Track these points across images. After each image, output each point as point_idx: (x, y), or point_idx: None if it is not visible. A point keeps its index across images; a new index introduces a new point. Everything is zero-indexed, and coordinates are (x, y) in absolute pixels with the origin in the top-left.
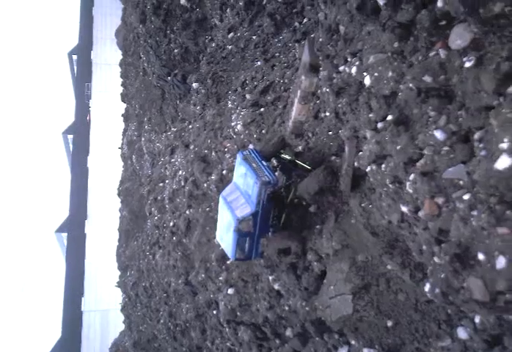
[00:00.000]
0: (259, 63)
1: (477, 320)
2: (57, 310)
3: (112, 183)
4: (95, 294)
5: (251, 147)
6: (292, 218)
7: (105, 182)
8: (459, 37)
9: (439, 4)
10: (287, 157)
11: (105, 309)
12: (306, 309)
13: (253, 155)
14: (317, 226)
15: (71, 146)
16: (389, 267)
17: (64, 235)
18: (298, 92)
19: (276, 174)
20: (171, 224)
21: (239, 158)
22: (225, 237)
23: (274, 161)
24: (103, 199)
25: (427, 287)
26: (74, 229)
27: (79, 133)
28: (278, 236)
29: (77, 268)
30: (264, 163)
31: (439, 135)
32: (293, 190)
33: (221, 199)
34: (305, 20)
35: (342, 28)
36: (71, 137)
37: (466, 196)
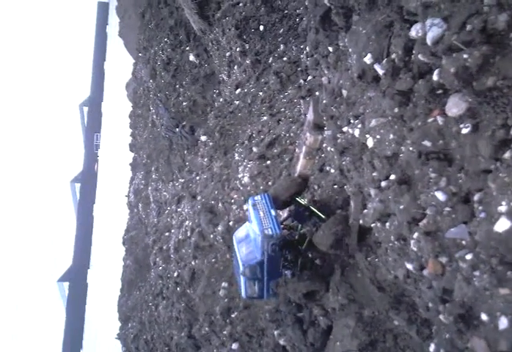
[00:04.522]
0: (265, 118)
1: None
2: None
3: (117, 232)
4: (94, 347)
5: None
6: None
7: (110, 231)
8: (455, 106)
9: (435, 77)
10: (302, 202)
11: None
12: None
13: (264, 201)
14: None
15: (78, 194)
16: (396, 322)
17: (66, 284)
18: (304, 147)
19: (286, 222)
20: (175, 274)
21: (250, 202)
22: (238, 275)
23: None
24: (107, 248)
25: (432, 348)
26: (76, 278)
27: (86, 181)
28: (299, 280)
29: (77, 319)
30: (272, 213)
31: (440, 196)
32: (308, 239)
33: (233, 238)
34: (309, 78)
35: (344, 92)
36: (78, 186)
37: (468, 256)
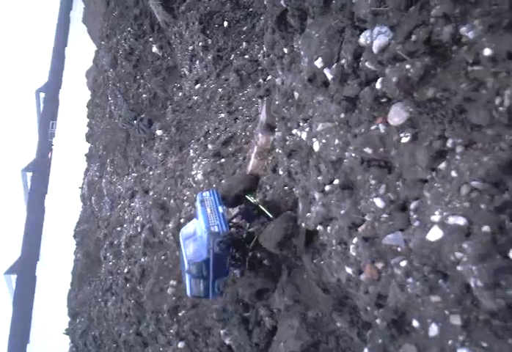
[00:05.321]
0: (223, 115)
1: None
2: None
3: (69, 224)
4: (42, 341)
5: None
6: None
7: (61, 222)
8: (397, 115)
9: (378, 85)
10: (252, 200)
11: None
12: None
13: (212, 197)
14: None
15: (29, 184)
16: (338, 324)
17: (14, 277)
18: (255, 147)
19: (235, 220)
20: (125, 270)
21: (198, 198)
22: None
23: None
24: (58, 240)
25: None
26: (24, 271)
27: (39, 170)
28: (249, 277)
29: (24, 312)
30: (220, 210)
31: (378, 202)
32: (256, 238)
33: (180, 235)
34: (269, 77)
35: (296, 94)
36: (30, 175)
37: (403, 263)
